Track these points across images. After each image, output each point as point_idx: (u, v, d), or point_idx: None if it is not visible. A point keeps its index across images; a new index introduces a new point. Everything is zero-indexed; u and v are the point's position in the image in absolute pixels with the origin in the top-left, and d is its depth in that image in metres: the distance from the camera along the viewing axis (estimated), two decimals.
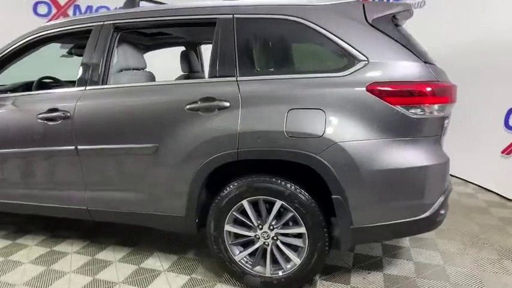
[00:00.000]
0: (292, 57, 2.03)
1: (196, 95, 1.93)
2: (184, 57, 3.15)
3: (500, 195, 3.49)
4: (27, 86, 2.74)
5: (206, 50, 3.22)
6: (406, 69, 1.76)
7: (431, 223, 1.87)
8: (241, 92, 1.87)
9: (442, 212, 1.88)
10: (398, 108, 1.71)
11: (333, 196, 1.77)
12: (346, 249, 2.04)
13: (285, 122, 1.78)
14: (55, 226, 2.86)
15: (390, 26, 1.85)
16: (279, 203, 1.87)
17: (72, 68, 3.35)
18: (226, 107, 1.87)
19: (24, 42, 2.36)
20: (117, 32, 2.22)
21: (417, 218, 1.81)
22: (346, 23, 1.84)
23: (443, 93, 1.75)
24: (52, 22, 2.39)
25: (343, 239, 1.86)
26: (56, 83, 2.86)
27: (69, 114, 2.13)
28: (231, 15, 1.98)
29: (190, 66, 3.15)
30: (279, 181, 1.85)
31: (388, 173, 1.75)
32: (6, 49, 2.39)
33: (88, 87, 2.16)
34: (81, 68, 2.22)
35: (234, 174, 1.97)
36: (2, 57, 2.40)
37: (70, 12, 5.78)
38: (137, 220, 2.24)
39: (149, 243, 2.61)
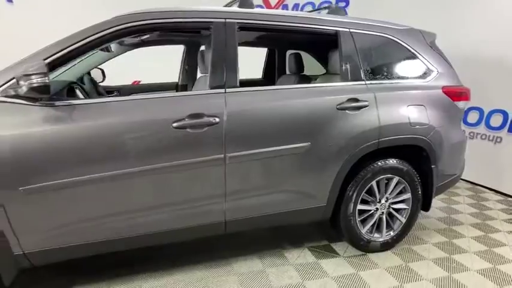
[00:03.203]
0: (393, 66, 2.57)
1: (343, 96, 2.23)
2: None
3: None
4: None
5: None
6: (454, 78, 2.69)
7: (459, 177, 2.90)
8: (375, 94, 2.31)
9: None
10: (456, 103, 2.62)
11: (432, 166, 2.52)
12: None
13: (408, 115, 2.37)
14: None
15: (436, 47, 2.74)
16: (396, 179, 2.46)
17: None
18: (366, 106, 2.28)
19: (102, 35, 1.84)
20: (239, 31, 2.14)
21: (456, 175, 2.81)
22: (419, 43, 2.60)
23: (469, 94, 2.79)
24: (141, 11, 1.95)
25: (429, 196, 2.63)
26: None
27: (217, 120, 1.93)
28: (348, 29, 2.37)
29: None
30: (399, 162, 2.43)
31: (453, 146, 2.65)
32: (76, 42, 1.79)
33: (228, 90, 2.01)
34: (212, 68, 2.01)
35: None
36: (67, 52, 1.78)
37: None
38: (279, 220, 2.26)
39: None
